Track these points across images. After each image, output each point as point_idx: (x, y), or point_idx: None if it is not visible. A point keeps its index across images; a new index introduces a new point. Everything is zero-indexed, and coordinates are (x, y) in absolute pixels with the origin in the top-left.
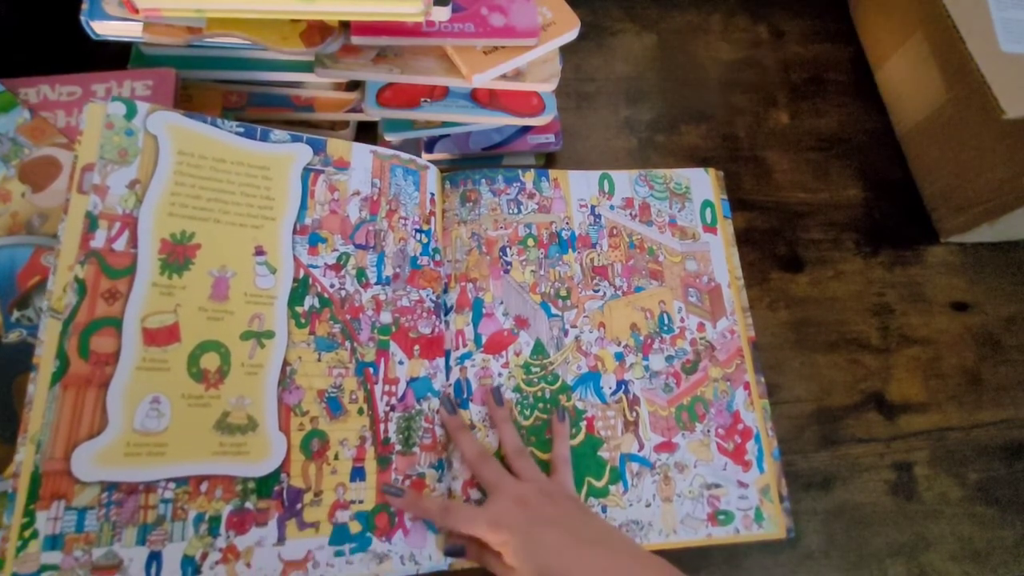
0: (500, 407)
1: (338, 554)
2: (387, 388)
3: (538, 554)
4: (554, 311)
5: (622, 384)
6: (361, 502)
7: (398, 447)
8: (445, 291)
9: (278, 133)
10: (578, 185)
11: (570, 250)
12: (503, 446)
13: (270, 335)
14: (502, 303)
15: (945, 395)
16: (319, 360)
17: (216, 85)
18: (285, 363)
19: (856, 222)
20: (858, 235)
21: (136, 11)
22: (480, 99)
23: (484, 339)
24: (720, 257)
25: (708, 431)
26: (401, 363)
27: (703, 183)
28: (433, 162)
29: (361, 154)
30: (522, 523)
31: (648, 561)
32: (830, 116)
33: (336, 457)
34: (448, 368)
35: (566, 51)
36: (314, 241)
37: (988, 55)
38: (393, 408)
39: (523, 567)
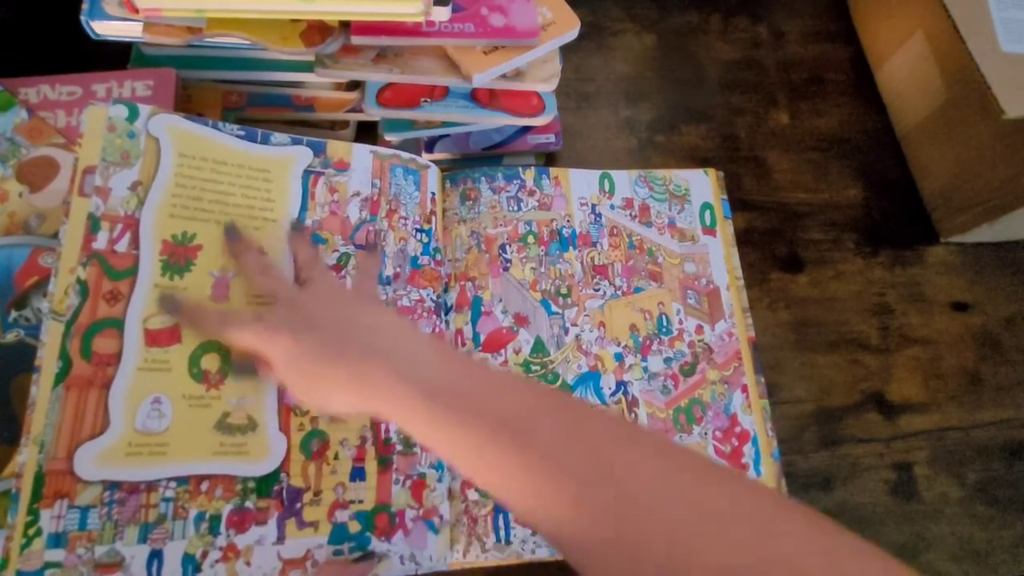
0: (236, 242)
1: (337, 553)
2: None
3: (299, 363)
4: (554, 309)
5: (621, 385)
6: (361, 502)
7: (399, 447)
8: (445, 290)
9: (278, 136)
10: (579, 183)
11: (571, 248)
12: (254, 272)
13: None
14: (500, 301)
15: (945, 395)
16: None
17: (216, 85)
18: None
19: (856, 222)
20: (858, 235)
21: (136, 11)
22: (480, 99)
23: (483, 338)
24: (719, 259)
25: (705, 433)
26: None
27: (702, 185)
28: (433, 162)
29: (361, 155)
30: (286, 331)
31: (409, 358)
32: (830, 116)
33: (336, 457)
34: None
35: (566, 51)
36: (314, 242)
37: (988, 55)
38: None
39: (286, 378)
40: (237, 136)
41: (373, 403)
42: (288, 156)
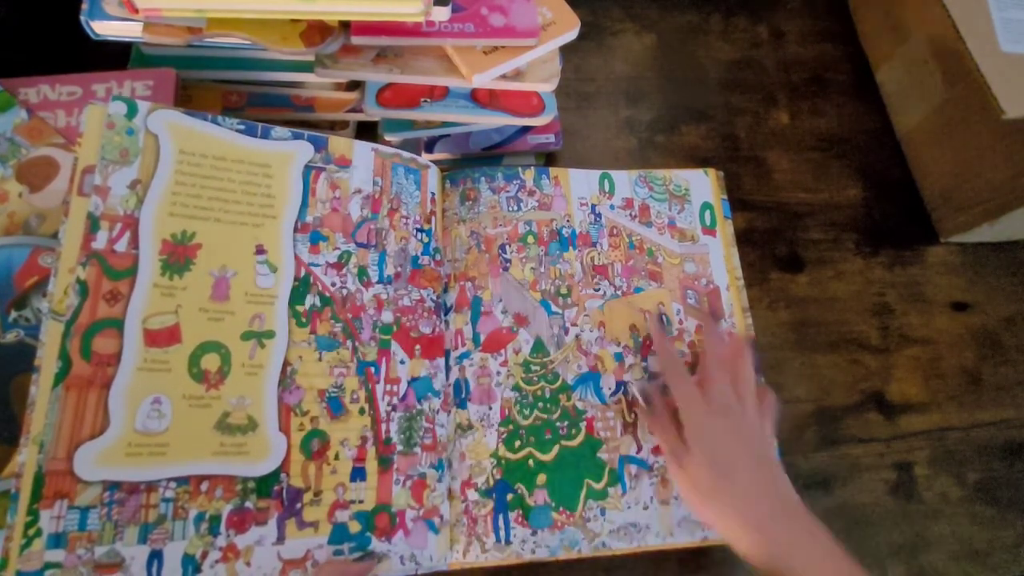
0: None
1: (337, 553)
2: (388, 388)
3: (705, 482)
4: (554, 309)
5: (621, 385)
6: (361, 502)
7: (399, 447)
8: (445, 291)
9: (279, 130)
10: (578, 183)
11: (570, 248)
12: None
13: (271, 335)
14: (500, 301)
15: (945, 395)
16: (320, 360)
17: (216, 85)
18: (286, 363)
19: (856, 222)
20: (858, 235)
21: (136, 11)
22: (480, 99)
23: (482, 338)
24: (719, 259)
25: None
26: (402, 363)
27: (702, 185)
28: (433, 162)
29: (362, 152)
30: (710, 411)
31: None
32: (830, 116)
33: (336, 457)
34: (448, 368)
35: (566, 51)
36: (315, 239)
37: (988, 55)
38: (394, 408)
39: (683, 482)
40: (237, 131)
41: (747, 547)
42: (289, 151)
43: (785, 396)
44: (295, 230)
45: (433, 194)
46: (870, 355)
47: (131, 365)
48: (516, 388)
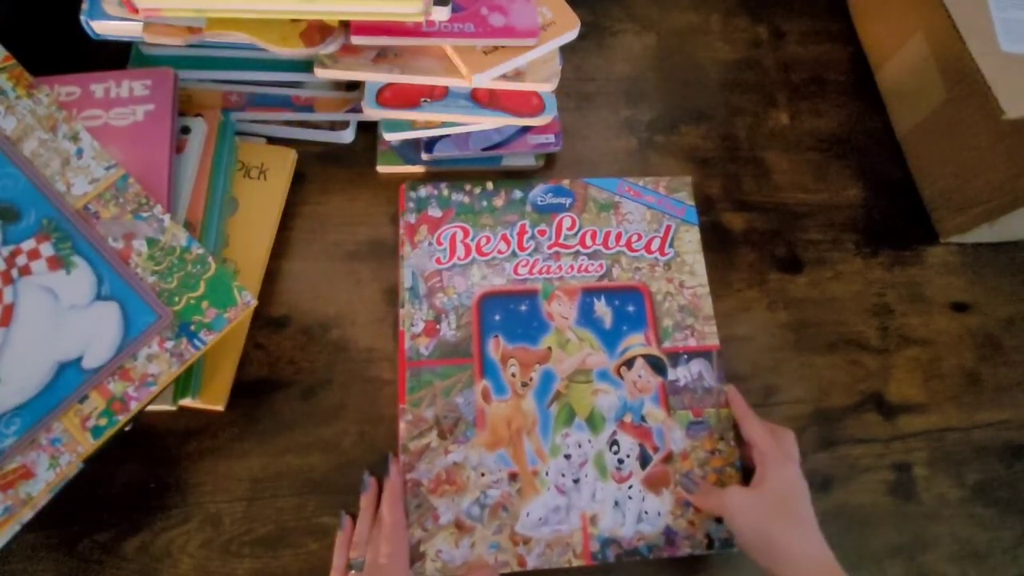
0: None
1: None
2: None
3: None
4: None
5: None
6: None
7: None
8: None
9: None
10: None
11: None
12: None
13: None
14: None
15: (944, 395)
16: None
17: (216, 85)
18: None
19: (856, 222)
20: (858, 235)
21: (136, 11)
22: (480, 99)
23: None
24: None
25: None
26: None
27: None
28: (433, 162)
29: None
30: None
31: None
32: (830, 116)
33: None
34: None
35: (566, 51)
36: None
37: (988, 55)
38: None
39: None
40: None
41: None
42: None
43: (784, 397)
44: None
45: None
46: (869, 356)
47: None
48: None
